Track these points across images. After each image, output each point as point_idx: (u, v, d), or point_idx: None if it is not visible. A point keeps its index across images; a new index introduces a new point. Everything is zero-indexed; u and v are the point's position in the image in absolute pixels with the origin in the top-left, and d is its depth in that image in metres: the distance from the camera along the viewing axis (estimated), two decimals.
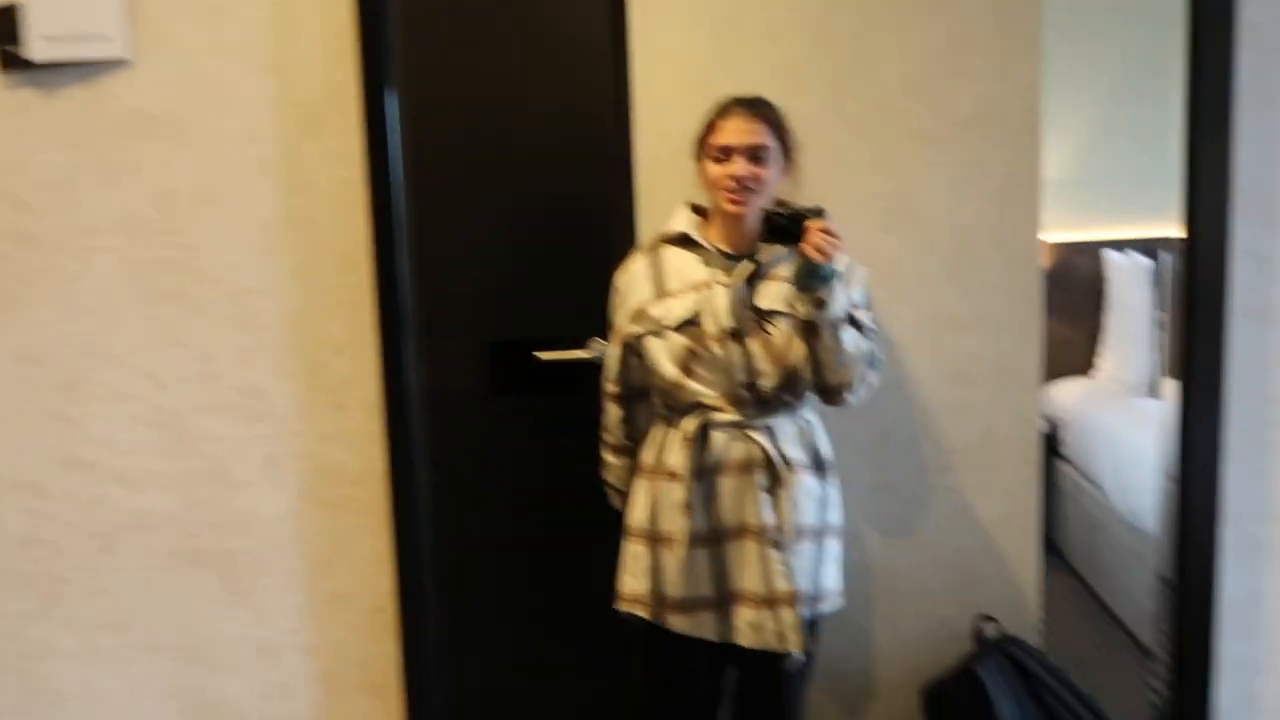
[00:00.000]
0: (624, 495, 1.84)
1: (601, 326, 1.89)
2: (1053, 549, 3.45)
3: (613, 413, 1.87)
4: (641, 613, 1.75)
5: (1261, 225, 1.25)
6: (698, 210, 1.81)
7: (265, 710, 1.58)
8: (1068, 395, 3.65)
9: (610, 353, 1.85)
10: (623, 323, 1.78)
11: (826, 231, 1.57)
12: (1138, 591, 2.80)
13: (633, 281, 1.79)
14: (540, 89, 2.15)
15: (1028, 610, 2.09)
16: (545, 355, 2.16)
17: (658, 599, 1.72)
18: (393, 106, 1.54)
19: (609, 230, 2.11)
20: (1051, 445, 3.57)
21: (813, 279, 1.58)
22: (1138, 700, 2.53)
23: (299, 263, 1.54)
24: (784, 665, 1.70)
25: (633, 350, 1.77)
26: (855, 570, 2.02)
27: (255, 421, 1.56)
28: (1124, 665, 2.73)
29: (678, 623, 1.71)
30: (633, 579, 1.76)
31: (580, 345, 2.10)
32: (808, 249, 1.57)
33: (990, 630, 2.03)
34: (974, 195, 2.01)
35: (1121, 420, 3.24)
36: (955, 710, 1.98)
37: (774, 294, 1.68)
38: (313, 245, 1.54)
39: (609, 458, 1.92)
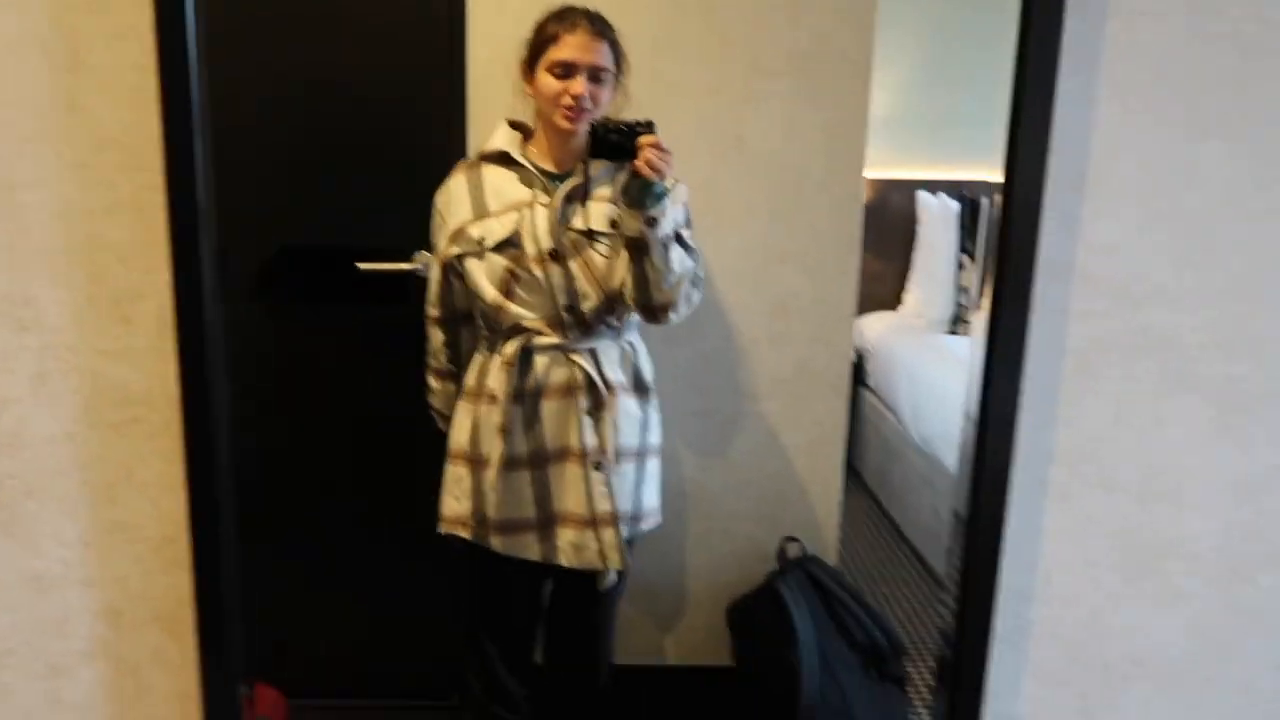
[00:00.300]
0: (449, 420, 1.78)
1: (429, 239, 1.79)
2: (852, 470, 3.68)
3: (436, 336, 1.80)
4: (463, 533, 1.72)
5: (1070, 186, 1.31)
6: (516, 126, 1.73)
7: (39, 646, 1.44)
8: (874, 328, 3.86)
9: (432, 275, 1.76)
10: (443, 244, 1.70)
11: (657, 147, 1.53)
12: (925, 512, 3.04)
13: (452, 201, 1.70)
14: None
15: (828, 531, 2.21)
16: (366, 266, 2.04)
17: (479, 521, 1.70)
18: None
19: (441, 137, 1.99)
20: (857, 374, 3.77)
21: (646, 195, 1.54)
22: (922, 613, 2.77)
23: (76, 156, 1.35)
24: (600, 583, 1.72)
25: (454, 272, 1.70)
26: (670, 491, 2.07)
27: (21, 331, 1.38)
28: (910, 581, 2.98)
29: (499, 544, 1.70)
30: (454, 501, 1.73)
31: (406, 258, 2.00)
32: (641, 166, 1.52)
33: (793, 550, 2.14)
34: (804, 130, 2.03)
35: (921, 354, 3.46)
36: (757, 624, 2.09)
37: (596, 214, 1.64)
38: (92, 136, 1.35)
39: (433, 382, 1.85)
